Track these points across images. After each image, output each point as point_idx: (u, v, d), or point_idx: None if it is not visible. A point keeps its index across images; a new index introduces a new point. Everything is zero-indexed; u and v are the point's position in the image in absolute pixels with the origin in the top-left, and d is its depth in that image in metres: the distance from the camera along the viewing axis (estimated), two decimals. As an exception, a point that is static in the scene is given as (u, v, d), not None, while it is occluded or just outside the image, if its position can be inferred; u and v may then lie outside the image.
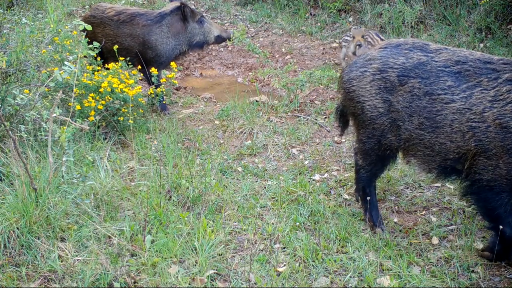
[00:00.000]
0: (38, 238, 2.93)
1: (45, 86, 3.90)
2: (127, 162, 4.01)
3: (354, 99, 3.11)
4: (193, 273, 2.79)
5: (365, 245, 3.09)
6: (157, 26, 5.07)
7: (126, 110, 4.26)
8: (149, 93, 4.93)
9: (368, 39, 5.93)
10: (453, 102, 2.76)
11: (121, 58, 4.77)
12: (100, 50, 4.75)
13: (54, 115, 3.32)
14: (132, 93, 4.33)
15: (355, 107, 3.12)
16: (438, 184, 3.75)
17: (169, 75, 5.09)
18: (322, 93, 5.66)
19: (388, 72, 2.95)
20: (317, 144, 4.53)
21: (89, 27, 3.67)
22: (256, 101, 5.34)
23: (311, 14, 7.95)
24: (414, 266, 2.92)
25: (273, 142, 4.51)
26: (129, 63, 4.96)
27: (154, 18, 5.11)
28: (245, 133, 4.74)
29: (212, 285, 2.76)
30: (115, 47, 4.85)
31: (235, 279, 2.80)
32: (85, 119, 4.00)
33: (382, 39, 5.83)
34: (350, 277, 2.84)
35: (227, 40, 5.45)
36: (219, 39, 5.38)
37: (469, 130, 2.72)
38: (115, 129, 4.35)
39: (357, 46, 5.92)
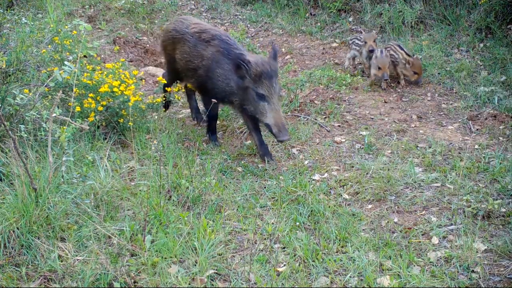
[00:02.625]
0: (38, 238, 2.93)
1: (45, 86, 3.90)
2: (127, 162, 4.01)
3: None
4: (193, 273, 2.79)
5: (365, 245, 3.09)
6: (227, 61, 4.22)
7: (126, 113, 4.25)
8: (150, 101, 4.76)
9: (391, 52, 5.73)
10: None
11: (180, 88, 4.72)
12: (176, 67, 4.66)
13: (54, 115, 3.32)
14: (133, 99, 4.29)
15: None
16: (438, 184, 3.75)
17: (175, 88, 5.08)
18: (322, 93, 5.66)
19: None
20: (317, 144, 4.53)
21: (89, 27, 3.67)
22: (256, 101, 5.34)
23: (311, 14, 7.95)
24: (414, 266, 2.92)
25: (273, 141, 4.51)
26: (195, 88, 4.75)
27: (230, 51, 4.26)
28: (245, 133, 4.74)
29: (212, 285, 2.76)
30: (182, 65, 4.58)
31: (235, 279, 2.80)
32: (85, 119, 4.00)
33: (407, 53, 5.63)
34: (350, 277, 2.83)
35: (276, 139, 4.15)
36: (268, 128, 4.11)
37: None
38: (115, 129, 4.34)
39: (370, 52, 5.76)
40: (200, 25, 4.66)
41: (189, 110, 5.32)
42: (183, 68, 4.60)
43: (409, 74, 5.62)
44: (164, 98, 4.86)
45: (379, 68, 5.51)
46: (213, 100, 4.15)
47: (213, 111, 4.44)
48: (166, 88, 4.85)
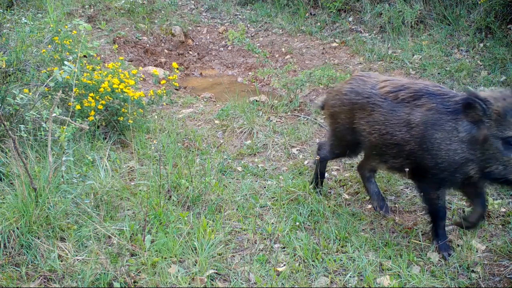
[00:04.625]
0: (38, 238, 2.92)
1: (45, 86, 3.91)
2: (127, 161, 4.01)
3: None
4: (193, 273, 2.79)
5: (365, 244, 3.09)
6: (448, 119, 2.93)
7: (126, 110, 4.25)
8: None
9: None
10: None
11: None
12: (353, 142, 3.39)
13: (54, 114, 3.32)
14: (135, 94, 4.28)
15: None
16: (438, 184, 3.75)
17: (170, 77, 5.02)
18: (322, 93, 5.66)
19: None
20: (317, 143, 4.52)
21: (89, 27, 3.66)
22: (256, 100, 5.34)
23: (311, 13, 7.96)
24: (414, 265, 2.92)
25: (273, 141, 4.51)
26: (395, 171, 3.30)
27: (449, 103, 2.96)
28: (245, 132, 4.74)
29: (212, 285, 2.76)
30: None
31: (235, 278, 2.80)
32: (85, 119, 4.00)
33: None
34: (350, 277, 2.83)
35: None
36: None
37: None
38: (115, 129, 4.35)
39: None
40: (393, 81, 3.33)
41: (189, 110, 5.31)
42: (374, 144, 3.29)
43: None
44: (318, 177, 3.70)
45: None
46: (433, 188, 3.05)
47: (440, 202, 3.12)
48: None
